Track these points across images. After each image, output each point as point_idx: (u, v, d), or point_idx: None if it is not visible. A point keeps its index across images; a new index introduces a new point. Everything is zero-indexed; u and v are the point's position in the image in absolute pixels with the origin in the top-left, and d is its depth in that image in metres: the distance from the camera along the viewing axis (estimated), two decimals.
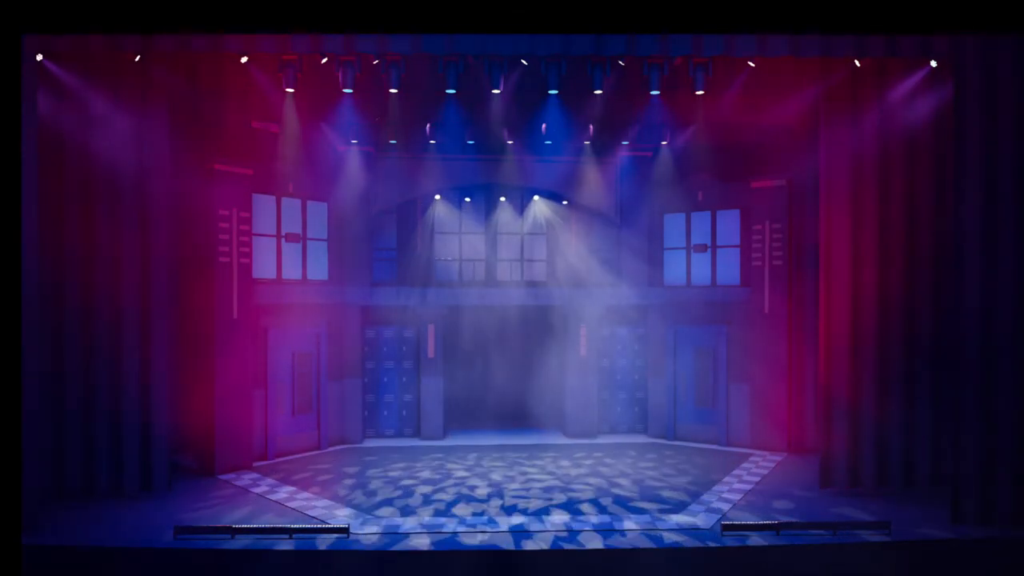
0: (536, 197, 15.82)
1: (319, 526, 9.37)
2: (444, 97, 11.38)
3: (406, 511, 10.16)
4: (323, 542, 8.84)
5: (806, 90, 10.94)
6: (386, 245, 15.62)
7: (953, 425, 9.64)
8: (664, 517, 9.84)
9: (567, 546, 8.74)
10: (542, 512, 10.07)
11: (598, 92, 10.75)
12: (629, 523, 9.57)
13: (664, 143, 14.40)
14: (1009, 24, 8.91)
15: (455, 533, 9.23)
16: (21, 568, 7.76)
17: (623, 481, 11.79)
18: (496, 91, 11.03)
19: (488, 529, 9.38)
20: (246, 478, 12.06)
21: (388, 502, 10.62)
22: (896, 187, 10.70)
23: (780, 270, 14.02)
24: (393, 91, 10.98)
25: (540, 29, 9.24)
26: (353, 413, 14.81)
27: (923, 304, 10.77)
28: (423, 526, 9.48)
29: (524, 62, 10.30)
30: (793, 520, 9.38)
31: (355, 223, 14.83)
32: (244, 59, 10.26)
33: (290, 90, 10.84)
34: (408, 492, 11.15)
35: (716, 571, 8.65)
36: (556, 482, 11.72)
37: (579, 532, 9.25)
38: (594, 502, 10.55)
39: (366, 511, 10.17)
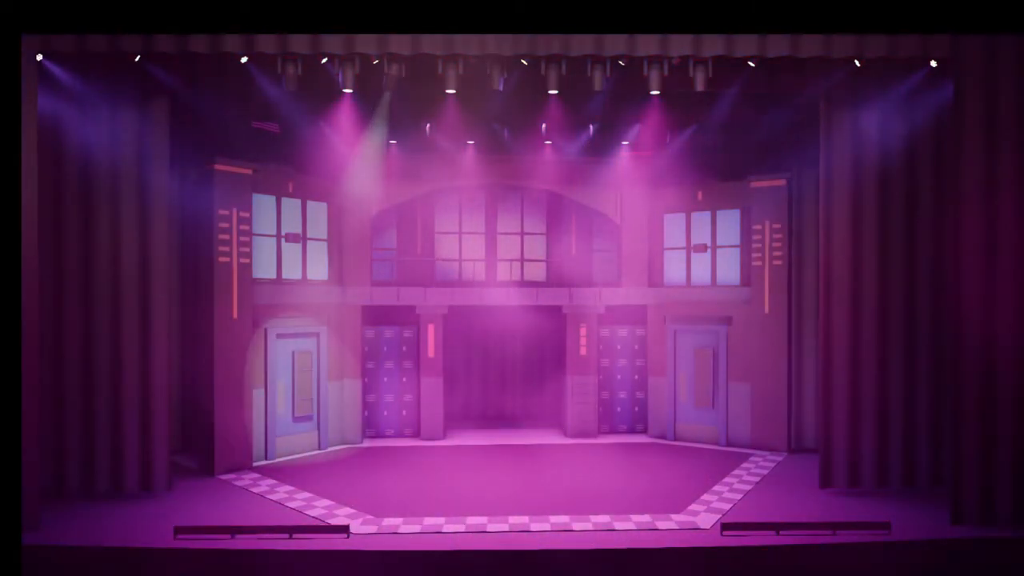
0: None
1: (319, 526, 9.37)
2: (444, 97, 11.36)
3: (406, 511, 10.16)
4: (323, 542, 8.85)
5: (806, 90, 10.94)
6: (386, 245, 15.63)
7: (953, 425, 9.63)
8: (664, 517, 9.84)
9: (567, 545, 8.74)
10: (542, 512, 10.06)
11: (598, 91, 10.75)
12: (629, 523, 9.58)
13: (664, 143, 14.40)
14: (1009, 24, 8.91)
15: (455, 533, 9.23)
16: (21, 568, 7.75)
17: (623, 481, 11.78)
18: (497, 90, 11.02)
19: (488, 529, 9.38)
20: (246, 478, 12.06)
21: (388, 502, 10.61)
22: (896, 186, 10.72)
23: (780, 270, 14.03)
24: (391, 91, 10.97)
25: (540, 29, 9.24)
26: (353, 413, 14.81)
27: (923, 303, 10.78)
28: (423, 526, 9.48)
29: (524, 62, 10.29)
30: (793, 520, 9.38)
31: (355, 223, 14.85)
32: (244, 59, 10.26)
33: (291, 90, 10.82)
34: (408, 492, 11.15)
35: (716, 571, 8.65)
36: (556, 481, 11.72)
37: (579, 531, 9.25)
38: (594, 502, 10.55)
39: (366, 511, 10.17)
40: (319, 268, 14.47)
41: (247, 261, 12.76)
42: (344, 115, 12.24)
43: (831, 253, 10.81)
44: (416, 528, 9.40)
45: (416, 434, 15.27)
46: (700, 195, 15.09)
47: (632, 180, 15.26)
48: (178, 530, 8.92)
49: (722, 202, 14.87)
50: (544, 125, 13.14)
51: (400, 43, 9.50)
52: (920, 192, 10.72)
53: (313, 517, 9.98)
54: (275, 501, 10.76)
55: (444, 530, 9.33)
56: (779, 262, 14.02)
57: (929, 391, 10.81)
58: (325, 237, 14.56)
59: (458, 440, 15.06)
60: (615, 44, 9.60)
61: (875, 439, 10.77)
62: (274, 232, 13.61)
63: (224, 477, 12.11)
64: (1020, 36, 9.21)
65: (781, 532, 9.02)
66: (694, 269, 15.27)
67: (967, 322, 9.47)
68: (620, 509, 10.19)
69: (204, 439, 12.53)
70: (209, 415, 12.35)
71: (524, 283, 15.78)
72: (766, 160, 14.16)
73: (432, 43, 9.55)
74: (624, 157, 14.97)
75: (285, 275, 13.79)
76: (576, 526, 9.46)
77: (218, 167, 12.33)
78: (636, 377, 15.89)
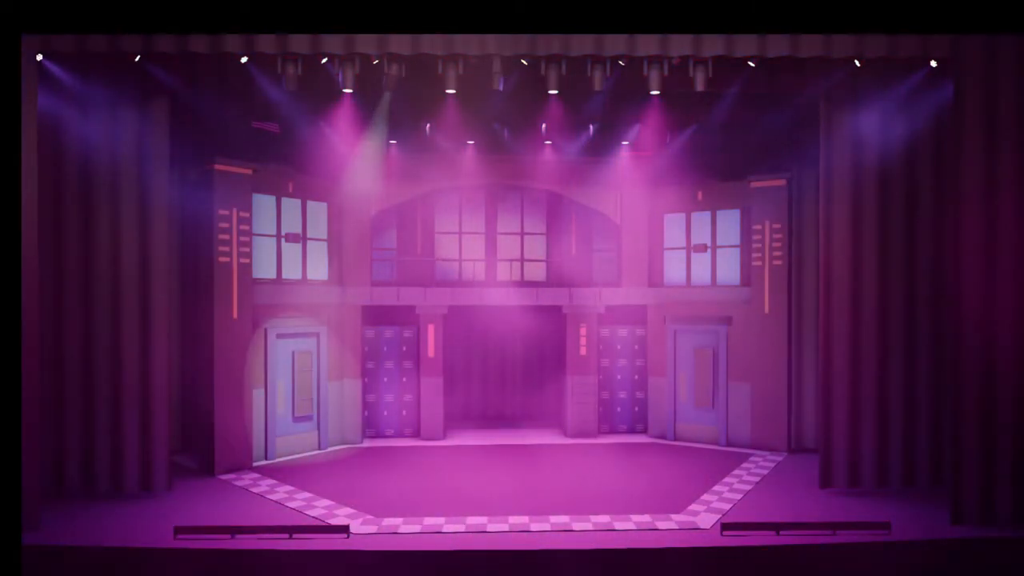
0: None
1: (319, 526, 9.37)
2: (444, 97, 11.37)
3: (406, 511, 10.16)
4: (323, 542, 8.85)
5: (806, 90, 10.95)
6: (386, 245, 15.63)
7: (953, 425, 9.64)
8: (664, 517, 9.84)
9: (567, 545, 8.74)
10: (542, 512, 10.06)
11: (598, 91, 10.75)
12: (629, 523, 9.58)
13: (664, 143, 14.40)
14: (1009, 24, 8.91)
15: (455, 533, 9.23)
16: (21, 568, 7.75)
17: (623, 481, 11.78)
18: (497, 90, 11.02)
19: (488, 529, 9.38)
20: (246, 478, 12.06)
21: (388, 502, 10.61)
22: (896, 186, 10.72)
23: (780, 270, 14.03)
24: (391, 91, 10.98)
25: (540, 29, 9.24)
26: (353, 413, 14.81)
27: (923, 303, 10.78)
28: (423, 526, 9.48)
29: (524, 62, 10.29)
30: (793, 520, 9.38)
31: (355, 223, 14.85)
32: (244, 59, 10.26)
33: (291, 90, 10.83)
34: (408, 492, 11.15)
35: (716, 571, 8.65)
36: (556, 482, 11.72)
37: (579, 531, 9.25)
38: (594, 502, 10.55)
39: (366, 511, 10.17)
40: (319, 268, 14.47)
41: (247, 261, 12.76)
42: (344, 115, 12.24)
43: (831, 253, 10.81)
44: (416, 528, 9.40)
45: (416, 434, 15.26)
46: (700, 195, 15.09)
47: (632, 180, 15.25)
48: (178, 530, 8.92)
49: (722, 202, 14.87)
50: (544, 125, 13.13)
51: (400, 43, 9.49)
52: (920, 192, 10.72)
53: (313, 517, 9.98)
54: (275, 501, 10.76)
55: (444, 530, 9.33)
56: (779, 262, 14.02)
57: (929, 391, 10.81)
58: (325, 237, 14.56)
59: (458, 440, 15.06)
60: (615, 44, 9.60)
61: (875, 439, 10.77)
62: (274, 232, 13.61)
63: (224, 477, 12.11)
64: (1020, 36, 9.21)
65: (781, 532, 9.02)
66: (694, 269, 15.27)
67: (967, 322, 9.47)
68: (620, 509, 10.19)
69: (204, 439, 12.53)
70: (209, 415, 12.35)
71: (524, 283, 15.78)
72: (766, 160, 14.17)
73: (432, 43, 9.55)
74: (624, 157, 14.96)
75: (285, 275, 13.79)
76: (576, 526, 9.46)
77: (218, 167, 12.33)
78: (636, 377, 15.89)
